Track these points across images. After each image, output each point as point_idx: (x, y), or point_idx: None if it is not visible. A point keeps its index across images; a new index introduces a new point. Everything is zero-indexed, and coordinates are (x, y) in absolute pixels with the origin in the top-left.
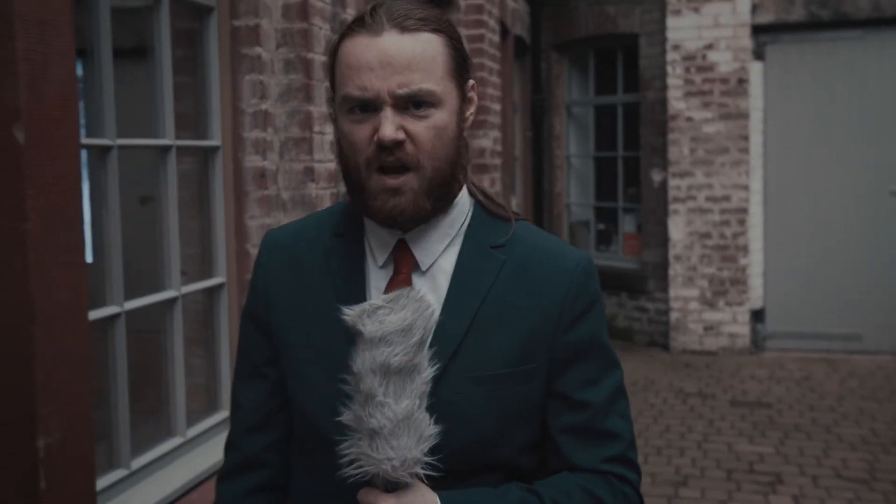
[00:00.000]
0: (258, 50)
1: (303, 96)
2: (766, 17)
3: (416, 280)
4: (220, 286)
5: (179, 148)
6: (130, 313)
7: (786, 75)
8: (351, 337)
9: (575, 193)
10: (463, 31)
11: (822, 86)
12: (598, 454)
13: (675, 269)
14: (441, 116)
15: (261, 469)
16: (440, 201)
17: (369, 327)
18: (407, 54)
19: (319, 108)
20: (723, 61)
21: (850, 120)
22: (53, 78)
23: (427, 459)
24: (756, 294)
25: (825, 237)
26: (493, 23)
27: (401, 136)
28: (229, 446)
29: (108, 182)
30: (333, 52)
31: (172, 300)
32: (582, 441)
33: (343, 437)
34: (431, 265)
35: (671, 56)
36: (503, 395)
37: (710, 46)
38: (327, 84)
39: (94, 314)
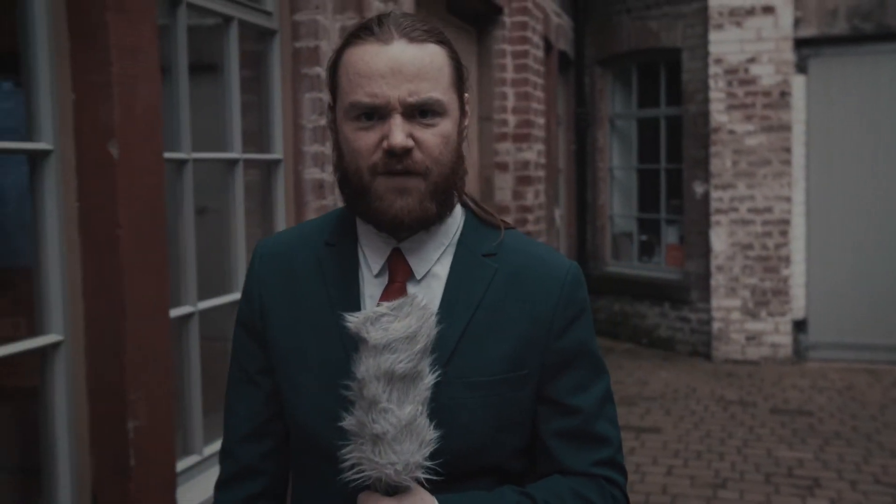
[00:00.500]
0: (317, 69)
1: None
2: (808, 31)
3: (411, 288)
4: None
5: (246, 161)
6: (201, 314)
7: (828, 88)
8: (346, 344)
9: (618, 205)
10: (507, 48)
11: (865, 99)
12: (588, 458)
13: (718, 280)
14: (446, 125)
15: (257, 477)
16: (443, 206)
17: (374, 334)
18: (417, 63)
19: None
20: (765, 74)
21: (892, 132)
22: (142, 99)
23: (427, 464)
24: (798, 304)
25: (867, 248)
26: (537, 39)
27: (410, 143)
28: (225, 454)
29: (183, 193)
30: (336, 59)
31: (234, 304)
32: (573, 445)
33: (342, 443)
34: (426, 274)
35: (713, 70)
36: (497, 401)
37: (752, 60)
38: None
39: (172, 313)
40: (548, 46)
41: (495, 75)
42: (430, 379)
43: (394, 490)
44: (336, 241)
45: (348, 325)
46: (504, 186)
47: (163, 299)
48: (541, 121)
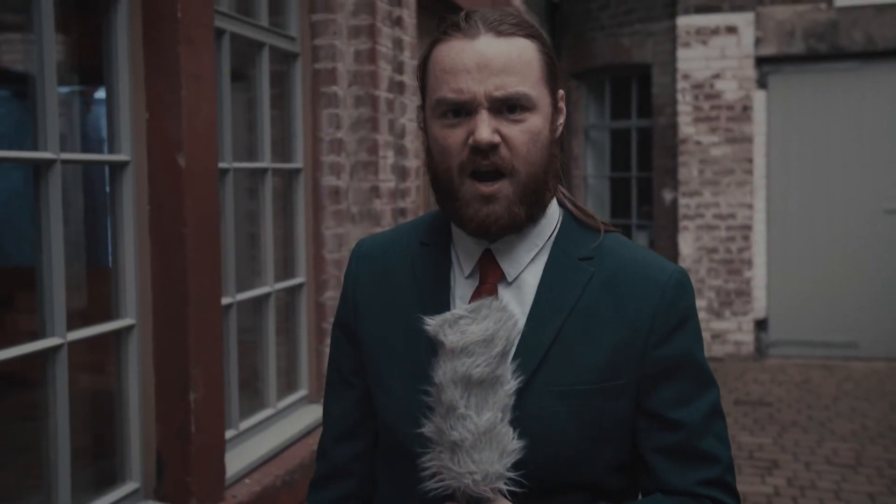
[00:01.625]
0: (334, 88)
1: (370, 126)
2: (768, 50)
3: (502, 291)
4: (300, 286)
5: (273, 169)
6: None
7: (787, 103)
8: (433, 347)
9: (592, 210)
10: None
11: (821, 112)
12: (692, 476)
13: None
14: (535, 121)
15: (348, 478)
16: (533, 209)
17: (451, 337)
18: (504, 57)
19: (384, 136)
20: (729, 90)
21: (846, 144)
22: (203, 117)
23: (510, 475)
24: (760, 305)
25: (824, 252)
26: None
27: (496, 138)
28: (319, 454)
29: (225, 197)
30: (425, 58)
31: (267, 295)
32: (675, 462)
33: (424, 450)
34: (518, 276)
35: (681, 84)
36: (589, 412)
37: (717, 76)
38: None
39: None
40: None
41: None
42: (511, 385)
43: (475, 502)
44: (430, 241)
45: (427, 327)
46: None
47: (216, 290)
48: None
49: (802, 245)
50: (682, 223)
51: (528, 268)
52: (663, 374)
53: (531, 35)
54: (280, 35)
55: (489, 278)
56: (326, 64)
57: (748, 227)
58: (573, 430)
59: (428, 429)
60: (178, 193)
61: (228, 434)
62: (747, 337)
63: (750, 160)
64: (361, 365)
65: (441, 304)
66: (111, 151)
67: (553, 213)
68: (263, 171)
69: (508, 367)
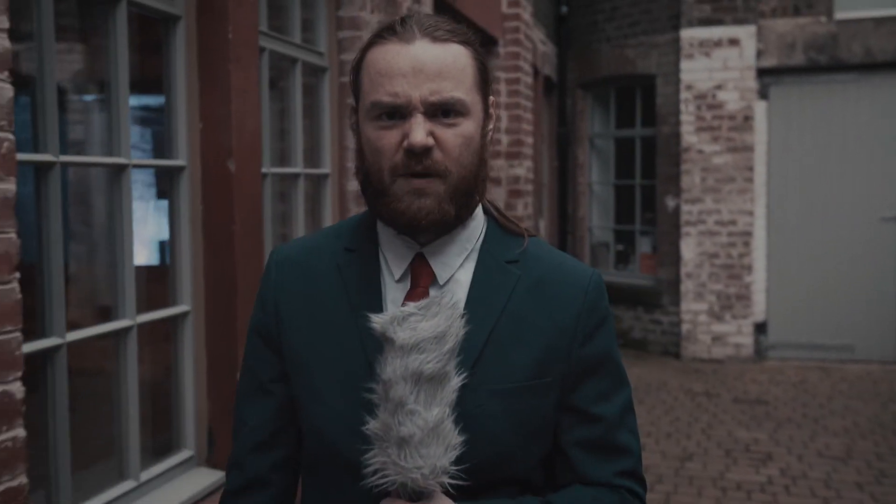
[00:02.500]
0: None
1: None
2: (769, 62)
3: (433, 294)
4: None
5: (304, 174)
6: None
7: (787, 113)
8: (368, 349)
9: (596, 217)
10: (502, 75)
11: (820, 123)
12: (610, 468)
13: (687, 286)
14: (468, 126)
15: (265, 489)
16: (462, 210)
17: (401, 334)
18: (439, 63)
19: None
20: (731, 100)
21: (844, 153)
22: (249, 127)
23: (453, 469)
24: (759, 308)
25: (822, 258)
26: (527, 66)
27: (431, 141)
28: (233, 465)
29: (263, 198)
30: (359, 60)
31: None
32: (595, 455)
33: (364, 448)
34: (449, 279)
35: (684, 95)
36: (521, 409)
37: (719, 87)
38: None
39: None
40: (535, 72)
41: None
42: (456, 381)
43: (418, 496)
44: (356, 247)
45: (374, 325)
46: (497, 199)
47: (258, 280)
48: (529, 140)
49: (801, 251)
50: (685, 229)
51: (458, 271)
52: (586, 372)
53: (465, 42)
54: (311, 51)
55: (421, 281)
56: None
57: (748, 234)
58: (507, 427)
59: (372, 426)
60: (228, 195)
61: None
62: (747, 339)
63: (751, 168)
64: (282, 372)
65: (374, 308)
66: (170, 157)
67: (479, 218)
68: (296, 175)
69: (454, 364)
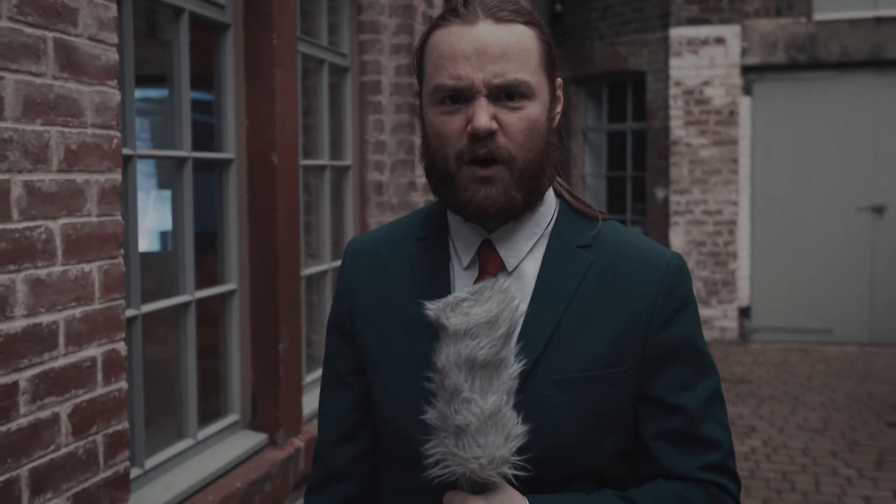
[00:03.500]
0: (378, 97)
1: (408, 130)
2: (753, 60)
3: (502, 280)
4: None
5: (330, 166)
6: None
7: (770, 108)
8: (435, 337)
9: (589, 200)
10: None
11: (801, 117)
12: (694, 461)
13: None
14: (534, 109)
15: (347, 482)
16: (530, 195)
17: (454, 320)
18: (503, 44)
19: (419, 138)
20: (717, 96)
21: (823, 146)
22: (289, 124)
23: (515, 459)
24: (744, 294)
25: (803, 246)
26: None
27: (494, 125)
28: (316, 458)
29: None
30: (422, 44)
31: (324, 272)
32: (677, 447)
33: (425, 439)
34: (517, 265)
35: (673, 91)
36: (591, 400)
37: (706, 83)
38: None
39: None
40: None
41: None
42: (515, 368)
43: (481, 488)
44: (427, 236)
45: (428, 312)
46: None
47: (298, 263)
48: None
49: (783, 239)
50: (673, 219)
51: (527, 257)
52: (664, 360)
53: (530, 22)
54: (335, 52)
55: (489, 268)
56: (372, 77)
57: (733, 223)
58: (575, 418)
59: (431, 415)
60: (271, 185)
61: (310, 378)
62: (732, 323)
63: (735, 161)
64: (359, 364)
65: (441, 295)
66: (219, 150)
67: (550, 202)
68: (323, 167)
69: (512, 350)
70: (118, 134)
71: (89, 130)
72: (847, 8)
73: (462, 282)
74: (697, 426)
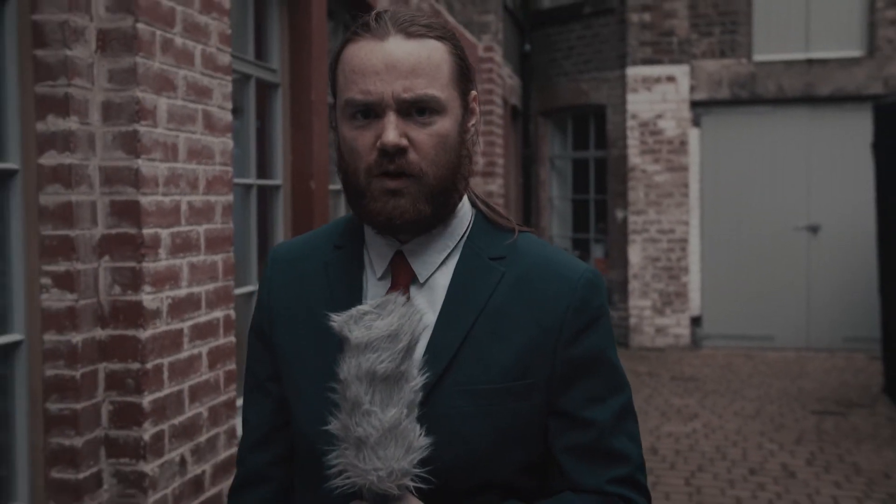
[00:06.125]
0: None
1: None
2: (700, 95)
3: (414, 292)
4: None
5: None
6: None
7: (716, 139)
8: (341, 344)
9: (556, 227)
10: (477, 108)
11: (743, 146)
12: (603, 475)
13: (633, 285)
14: (444, 124)
15: (266, 484)
16: (440, 209)
17: (356, 333)
18: (413, 59)
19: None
20: (669, 127)
21: (763, 172)
22: (322, 156)
23: (416, 472)
24: (695, 304)
25: (747, 261)
26: (498, 99)
27: (404, 142)
28: (238, 461)
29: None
30: (336, 58)
31: None
32: (586, 461)
33: (329, 449)
34: (429, 277)
35: (630, 123)
36: (499, 411)
37: (659, 116)
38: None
39: None
40: (504, 103)
41: None
42: (417, 381)
43: (382, 499)
44: (344, 244)
45: (332, 324)
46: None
47: None
48: (501, 161)
49: (730, 255)
50: (631, 237)
51: (439, 269)
52: (574, 374)
53: (442, 37)
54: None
55: (401, 279)
56: None
57: (685, 241)
58: (482, 429)
59: (334, 426)
60: (309, 207)
61: None
62: (684, 331)
63: (686, 185)
64: (277, 371)
65: (353, 305)
66: (269, 178)
67: (465, 214)
68: (338, 191)
69: (414, 363)
70: (230, 169)
71: (217, 168)
72: (782, 51)
73: (375, 292)
74: (608, 440)
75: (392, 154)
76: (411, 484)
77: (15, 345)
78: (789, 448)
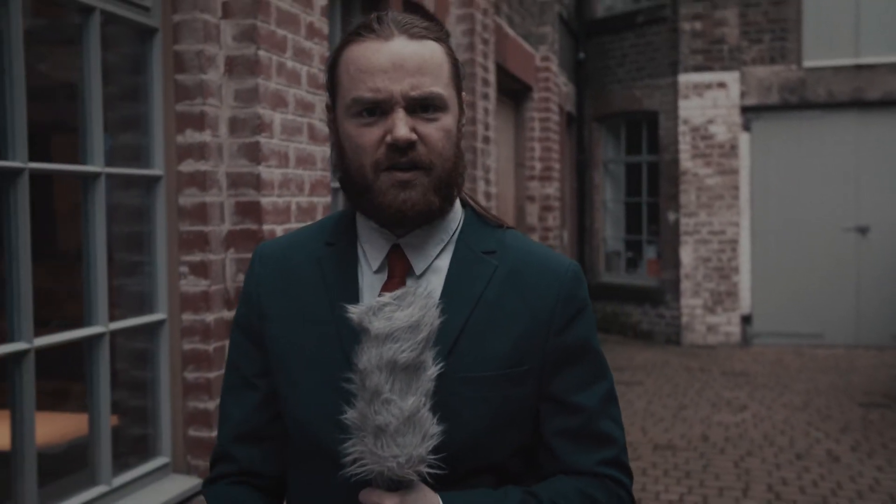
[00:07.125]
0: None
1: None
2: (751, 101)
3: (410, 283)
4: None
5: None
6: None
7: (766, 142)
8: (344, 339)
9: (610, 229)
10: (535, 115)
11: (793, 150)
12: (593, 457)
13: (685, 285)
14: (448, 120)
15: (255, 477)
16: (445, 201)
17: (377, 324)
18: (418, 58)
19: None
20: (720, 132)
21: (812, 175)
22: None
23: (430, 458)
24: (745, 303)
25: (797, 261)
26: (554, 106)
27: (414, 136)
28: (219, 457)
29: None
30: (335, 58)
31: None
32: (577, 444)
33: (343, 437)
34: (425, 269)
35: (682, 128)
36: (496, 398)
37: (710, 121)
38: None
39: None
40: (560, 110)
41: (527, 134)
42: (433, 370)
43: (396, 485)
44: (336, 241)
45: (350, 315)
46: (532, 213)
47: None
48: (557, 165)
49: (779, 255)
50: (683, 238)
51: (434, 261)
52: (564, 361)
53: (440, 39)
54: None
55: (397, 272)
56: None
57: (735, 241)
58: (481, 416)
59: (350, 415)
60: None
61: None
62: (735, 329)
63: (736, 188)
64: (265, 367)
65: (350, 299)
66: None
67: (457, 209)
68: None
69: (430, 353)
70: (328, 174)
71: (318, 172)
72: (832, 56)
73: (371, 285)
74: (596, 423)
75: (404, 148)
76: (425, 471)
77: (159, 323)
78: (835, 436)
